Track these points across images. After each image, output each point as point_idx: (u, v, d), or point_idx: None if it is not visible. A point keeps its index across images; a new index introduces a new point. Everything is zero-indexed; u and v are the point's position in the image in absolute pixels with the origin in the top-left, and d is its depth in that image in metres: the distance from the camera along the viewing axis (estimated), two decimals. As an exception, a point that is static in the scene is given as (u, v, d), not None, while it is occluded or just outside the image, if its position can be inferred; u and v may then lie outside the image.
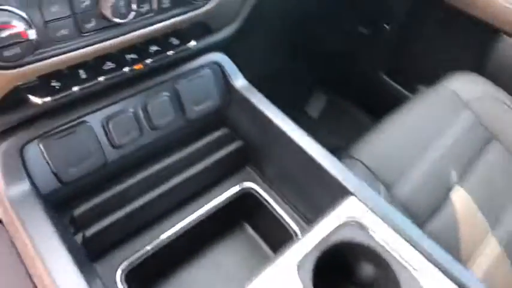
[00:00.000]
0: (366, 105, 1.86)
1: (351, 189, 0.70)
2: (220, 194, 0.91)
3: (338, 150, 0.96)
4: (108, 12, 0.60)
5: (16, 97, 0.63)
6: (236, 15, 0.89)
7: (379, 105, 1.39)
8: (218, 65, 0.89)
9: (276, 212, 0.88)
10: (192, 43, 0.79)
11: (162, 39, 0.76)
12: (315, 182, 0.78)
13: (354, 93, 1.90)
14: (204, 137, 0.92)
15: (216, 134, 0.93)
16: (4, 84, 0.59)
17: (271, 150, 0.89)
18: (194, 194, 0.91)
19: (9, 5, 0.52)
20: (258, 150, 0.92)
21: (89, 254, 0.76)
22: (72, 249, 0.61)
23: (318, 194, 0.79)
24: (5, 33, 0.52)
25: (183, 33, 0.78)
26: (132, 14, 0.62)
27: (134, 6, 0.62)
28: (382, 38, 1.66)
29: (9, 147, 0.67)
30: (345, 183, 0.71)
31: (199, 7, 0.73)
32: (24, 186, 0.66)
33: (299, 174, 0.83)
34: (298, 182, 0.85)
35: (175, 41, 0.78)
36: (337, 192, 0.71)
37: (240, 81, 0.90)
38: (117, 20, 0.61)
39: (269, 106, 0.87)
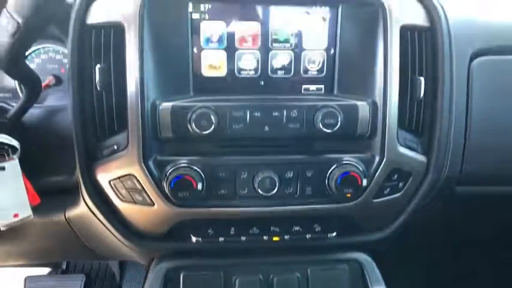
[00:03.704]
0: None
1: None
2: None
3: None
4: (257, 186, 0.78)
5: (180, 231, 0.84)
6: (390, 221, 0.91)
7: None
8: (359, 265, 0.89)
9: None
10: (332, 234, 0.86)
11: (306, 222, 0.86)
12: None
13: None
14: None
15: None
16: (173, 217, 0.81)
17: None
18: None
19: (191, 164, 0.77)
20: None
21: None
22: None
23: None
24: (183, 181, 0.75)
25: (327, 222, 0.86)
26: (275, 191, 0.78)
27: (277, 186, 0.77)
28: None
29: (160, 268, 0.86)
30: None
31: (342, 202, 0.81)
32: None
33: None
34: None
35: (317, 228, 0.86)
36: None
37: None
38: (262, 193, 0.78)
39: None
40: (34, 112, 0.85)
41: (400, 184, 0.84)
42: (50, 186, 0.88)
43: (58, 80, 1.00)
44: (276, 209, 0.81)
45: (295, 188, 0.80)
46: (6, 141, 0.76)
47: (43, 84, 0.89)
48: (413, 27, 0.81)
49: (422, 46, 0.82)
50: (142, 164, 0.76)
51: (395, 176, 0.82)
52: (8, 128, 0.79)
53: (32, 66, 0.98)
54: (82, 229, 0.92)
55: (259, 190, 0.78)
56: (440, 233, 1.09)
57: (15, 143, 0.78)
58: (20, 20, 0.66)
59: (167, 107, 0.76)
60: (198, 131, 0.74)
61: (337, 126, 0.76)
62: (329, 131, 0.76)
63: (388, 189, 0.83)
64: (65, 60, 0.98)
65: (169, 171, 0.76)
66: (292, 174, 0.79)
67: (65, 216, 0.89)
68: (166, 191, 0.76)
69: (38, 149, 0.85)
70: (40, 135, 0.87)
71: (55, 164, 0.87)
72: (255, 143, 0.80)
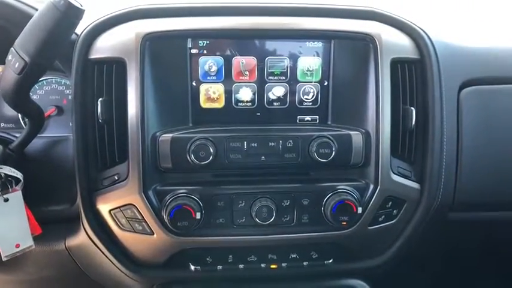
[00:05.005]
0: None
1: None
2: None
3: None
4: (254, 214, 0.79)
5: (179, 259, 0.85)
6: (385, 248, 0.92)
7: None
8: (355, 291, 0.90)
9: None
10: (329, 261, 0.87)
11: (303, 249, 0.87)
12: None
13: None
14: None
15: None
16: (172, 246, 0.83)
17: None
18: None
19: (190, 193, 0.79)
20: None
21: None
22: None
23: None
24: (182, 211, 0.77)
25: (324, 249, 0.87)
26: (272, 220, 0.79)
27: (274, 215, 0.79)
28: None
29: None
30: None
31: (337, 230, 0.83)
32: None
33: None
34: None
35: (314, 255, 0.87)
36: None
37: None
38: (260, 221, 0.80)
39: None
40: (36, 142, 0.87)
41: (395, 211, 0.86)
42: (50, 215, 0.89)
43: (60, 111, 1.02)
44: (273, 237, 0.83)
45: (291, 216, 0.82)
46: (10, 173, 0.78)
47: (45, 114, 0.91)
48: (404, 60, 0.84)
49: (413, 77, 0.85)
50: (143, 194, 0.78)
51: (390, 204, 0.84)
52: (12, 160, 0.81)
53: (35, 97, 1.00)
54: (82, 258, 0.93)
55: (256, 219, 0.80)
56: (436, 258, 1.11)
57: (19, 174, 0.80)
58: (26, 59, 0.69)
59: (167, 139, 0.78)
60: (196, 161, 0.77)
61: (332, 156, 0.78)
62: (324, 160, 0.78)
63: (382, 217, 0.85)
64: (67, 92, 1.01)
65: (169, 200, 0.78)
66: (288, 202, 0.81)
67: (65, 245, 0.90)
68: (166, 220, 0.77)
69: (39, 179, 0.87)
70: (41, 165, 0.88)
71: (56, 193, 0.89)
72: (252, 172, 0.82)
